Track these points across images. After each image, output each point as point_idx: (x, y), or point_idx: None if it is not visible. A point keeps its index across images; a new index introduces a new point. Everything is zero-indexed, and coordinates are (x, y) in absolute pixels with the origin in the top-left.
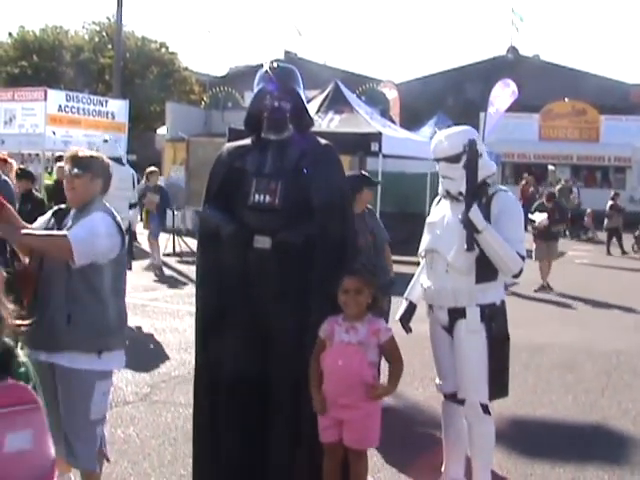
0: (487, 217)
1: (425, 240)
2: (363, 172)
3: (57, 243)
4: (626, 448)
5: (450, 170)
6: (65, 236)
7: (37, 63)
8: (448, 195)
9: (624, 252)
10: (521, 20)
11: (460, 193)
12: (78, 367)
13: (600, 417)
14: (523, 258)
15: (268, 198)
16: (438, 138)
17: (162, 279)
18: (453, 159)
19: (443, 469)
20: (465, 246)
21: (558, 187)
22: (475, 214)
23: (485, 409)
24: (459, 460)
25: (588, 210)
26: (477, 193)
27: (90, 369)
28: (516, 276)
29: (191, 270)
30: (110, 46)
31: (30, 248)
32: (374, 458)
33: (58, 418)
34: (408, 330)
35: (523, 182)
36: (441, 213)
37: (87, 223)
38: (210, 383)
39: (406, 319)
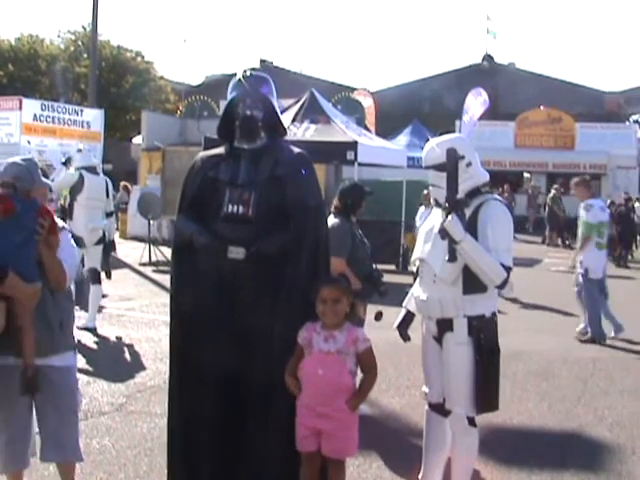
0: (474, 226)
1: (416, 249)
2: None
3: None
4: (602, 455)
5: (438, 179)
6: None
7: (12, 72)
8: (436, 204)
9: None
10: (494, 37)
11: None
12: (67, 364)
13: (576, 425)
14: (508, 269)
15: (242, 209)
16: (429, 146)
17: (138, 289)
18: (440, 167)
19: (420, 476)
20: (447, 256)
21: (550, 195)
22: (452, 224)
23: (471, 421)
24: (437, 468)
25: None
26: (459, 202)
27: (74, 364)
28: (499, 287)
29: (167, 279)
30: (86, 55)
31: None
32: (350, 467)
33: (30, 424)
34: (406, 339)
35: (499, 190)
36: (432, 221)
37: (67, 249)
38: (186, 392)
39: (403, 327)
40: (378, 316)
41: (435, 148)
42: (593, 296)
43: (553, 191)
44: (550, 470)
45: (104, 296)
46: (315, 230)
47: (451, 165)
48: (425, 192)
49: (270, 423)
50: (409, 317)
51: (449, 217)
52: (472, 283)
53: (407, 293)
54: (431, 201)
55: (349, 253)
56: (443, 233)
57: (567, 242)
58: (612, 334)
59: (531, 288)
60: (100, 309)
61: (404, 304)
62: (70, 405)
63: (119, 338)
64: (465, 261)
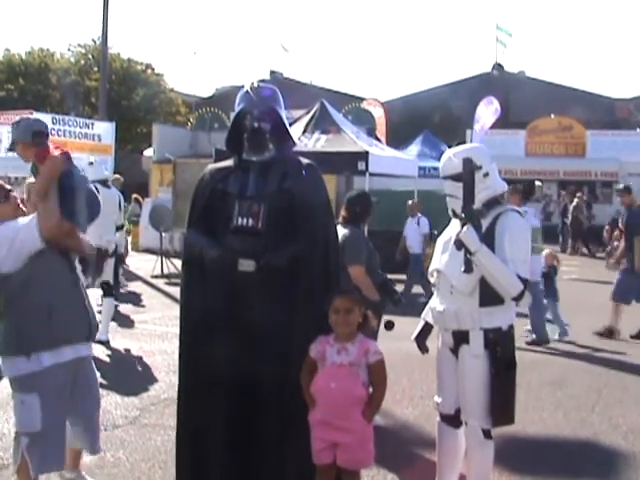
0: (492, 237)
1: (434, 260)
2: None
3: None
4: (617, 464)
5: (455, 189)
6: None
7: (23, 86)
8: (454, 214)
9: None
10: (504, 46)
11: None
12: (92, 354)
13: (591, 433)
14: (524, 281)
15: (251, 221)
16: (446, 156)
17: (150, 301)
18: (458, 177)
19: None
20: (462, 267)
21: (573, 204)
22: (467, 235)
23: (487, 434)
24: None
25: (607, 226)
26: (476, 213)
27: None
28: (516, 299)
29: (179, 292)
30: (96, 68)
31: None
32: (365, 478)
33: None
34: (424, 350)
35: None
36: (450, 232)
37: None
38: (196, 405)
39: (421, 339)
40: (388, 325)
41: (452, 158)
42: (536, 299)
43: (576, 199)
44: (565, 479)
45: (116, 307)
46: (325, 242)
47: (467, 175)
48: (410, 202)
49: (286, 435)
50: (427, 328)
51: (465, 228)
52: (489, 295)
53: (418, 302)
54: (449, 212)
55: (366, 261)
56: (459, 244)
57: (592, 250)
58: (556, 337)
59: None
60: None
61: (422, 315)
62: (98, 395)
63: (132, 350)
64: (481, 272)
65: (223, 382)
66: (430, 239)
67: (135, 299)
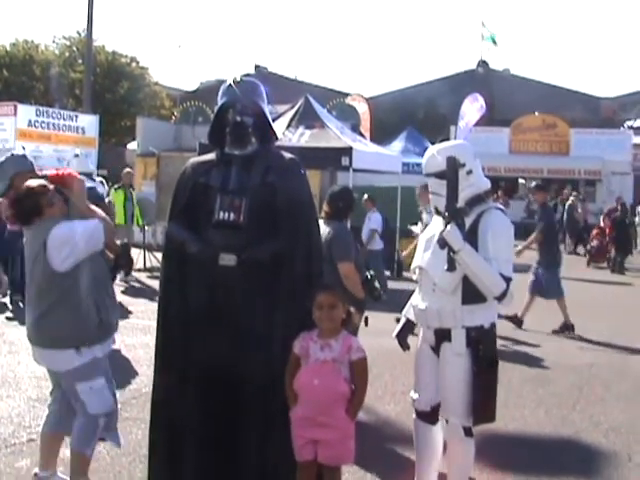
0: (475, 235)
1: (416, 257)
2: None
3: None
4: (598, 462)
5: (439, 186)
6: None
7: (7, 78)
8: (437, 212)
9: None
10: (494, 43)
11: None
12: None
13: (572, 431)
14: (508, 280)
15: (233, 215)
16: (429, 153)
17: (133, 295)
18: (442, 175)
19: None
20: (445, 266)
21: (568, 202)
22: (450, 234)
23: (467, 431)
24: (431, 476)
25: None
26: (459, 211)
27: None
28: (498, 298)
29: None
30: (80, 61)
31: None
32: (346, 474)
33: None
34: (405, 347)
35: (494, 196)
36: (432, 229)
37: None
38: (174, 400)
39: (403, 336)
40: (365, 321)
41: (436, 155)
42: None
43: (572, 198)
44: (546, 476)
45: None
46: (308, 236)
47: (451, 174)
48: (364, 198)
49: (268, 432)
50: (409, 326)
51: (448, 226)
52: (471, 293)
53: (402, 298)
54: (431, 209)
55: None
56: (442, 242)
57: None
58: None
59: (525, 293)
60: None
61: (404, 313)
62: None
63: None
64: (464, 271)
65: (202, 378)
66: (381, 235)
67: (117, 292)
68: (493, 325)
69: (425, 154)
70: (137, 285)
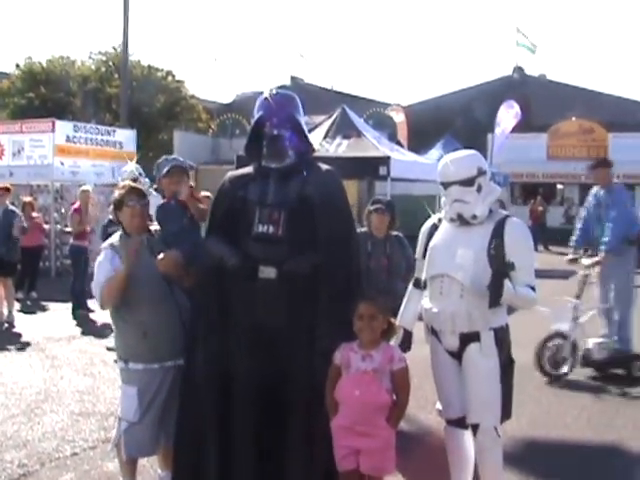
0: (501, 242)
1: (432, 265)
2: (377, 197)
3: None
4: None
5: (464, 193)
6: None
7: (44, 94)
8: (459, 219)
9: None
10: (532, 51)
11: (474, 216)
12: None
13: (616, 437)
14: (534, 289)
15: (272, 228)
16: (446, 162)
17: None
18: (467, 182)
19: None
20: (488, 304)
21: None
22: (509, 291)
23: (497, 432)
24: None
25: None
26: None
27: None
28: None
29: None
30: (117, 75)
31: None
32: None
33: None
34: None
35: (532, 202)
36: (446, 237)
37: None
38: (215, 416)
39: (405, 346)
40: None
41: (455, 163)
42: None
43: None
44: None
45: None
46: (346, 247)
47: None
48: None
49: (311, 442)
50: (408, 335)
51: (506, 286)
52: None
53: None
54: (440, 215)
55: None
56: (495, 292)
57: None
58: None
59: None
60: None
61: (398, 323)
62: None
63: None
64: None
65: (243, 393)
66: None
67: None
68: (508, 325)
69: (440, 163)
70: None
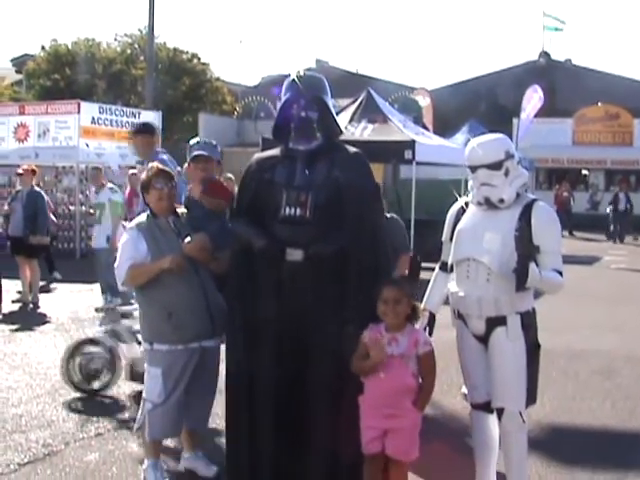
0: (529, 227)
1: (458, 249)
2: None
3: None
4: None
5: (491, 177)
6: None
7: (70, 76)
8: (487, 202)
9: None
10: (558, 30)
11: (501, 200)
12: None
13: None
14: (561, 273)
15: (299, 211)
16: (474, 145)
17: None
18: (494, 166)
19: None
20: (515, 288)
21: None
22: (534, 278)
23: (522, 417)
24: (491, 469)
25: None
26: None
27: None
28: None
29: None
30: (142, 58)
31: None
32: (411, 467)
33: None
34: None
35: (557, 187)
36: (473, 220)
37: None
38: (245, 396)
39: (430, 330)
40: None
41: (482, 147)
42: None
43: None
44: (613, 470)
45: None
46: (374, 229)
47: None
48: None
49: (337, 423)
50: (432, 319)
51: (531, 270)
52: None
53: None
54: (467, 199)
55: None
56: (521, 276)
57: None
58: None
59: (591, 286)
60: None
61: (425, 306)
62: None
63: None
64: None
65: (270, 374)
66: None
67: None
68: (534, 309)
69: (467, 147)
70: None
